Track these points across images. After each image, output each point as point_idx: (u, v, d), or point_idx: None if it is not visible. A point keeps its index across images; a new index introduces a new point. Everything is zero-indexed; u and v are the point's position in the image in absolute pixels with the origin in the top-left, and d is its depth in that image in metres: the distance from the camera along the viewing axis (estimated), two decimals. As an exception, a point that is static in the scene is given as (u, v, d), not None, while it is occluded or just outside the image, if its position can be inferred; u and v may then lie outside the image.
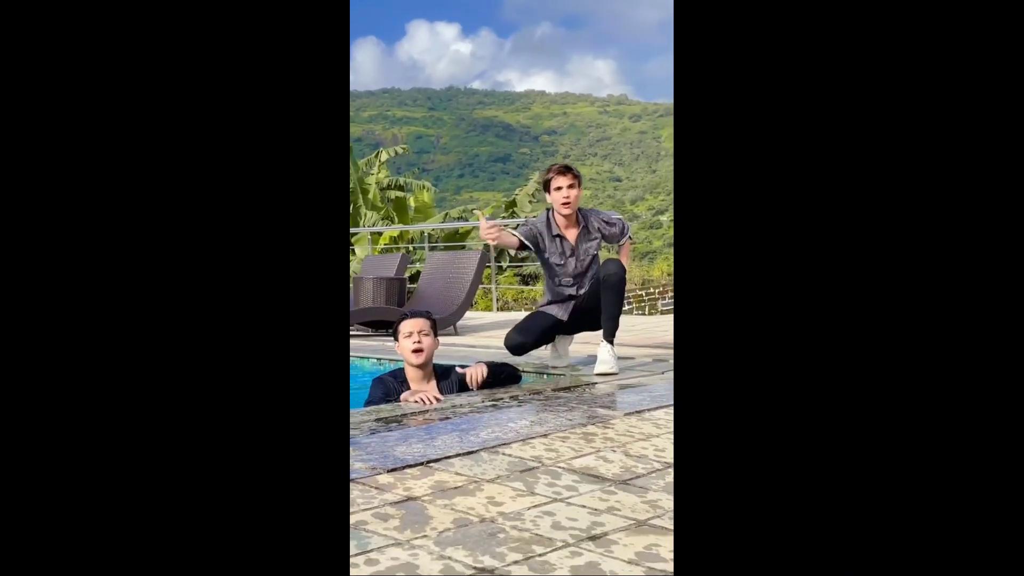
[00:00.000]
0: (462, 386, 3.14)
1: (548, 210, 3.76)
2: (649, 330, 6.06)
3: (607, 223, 3.78)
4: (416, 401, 2.84)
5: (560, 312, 3.78)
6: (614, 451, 2.18)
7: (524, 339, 3.73)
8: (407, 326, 3.12)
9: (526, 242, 3.70)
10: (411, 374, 3.12)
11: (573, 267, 3.72)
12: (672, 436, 2.34)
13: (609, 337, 3.56)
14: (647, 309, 10.67)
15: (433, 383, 3.13)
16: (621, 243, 3.84)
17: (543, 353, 3.99)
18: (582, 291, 3.73)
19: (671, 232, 41.21)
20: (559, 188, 3.63)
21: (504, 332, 3.94)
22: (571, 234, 3.72)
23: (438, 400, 2.86)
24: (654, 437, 2.34)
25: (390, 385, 3.12)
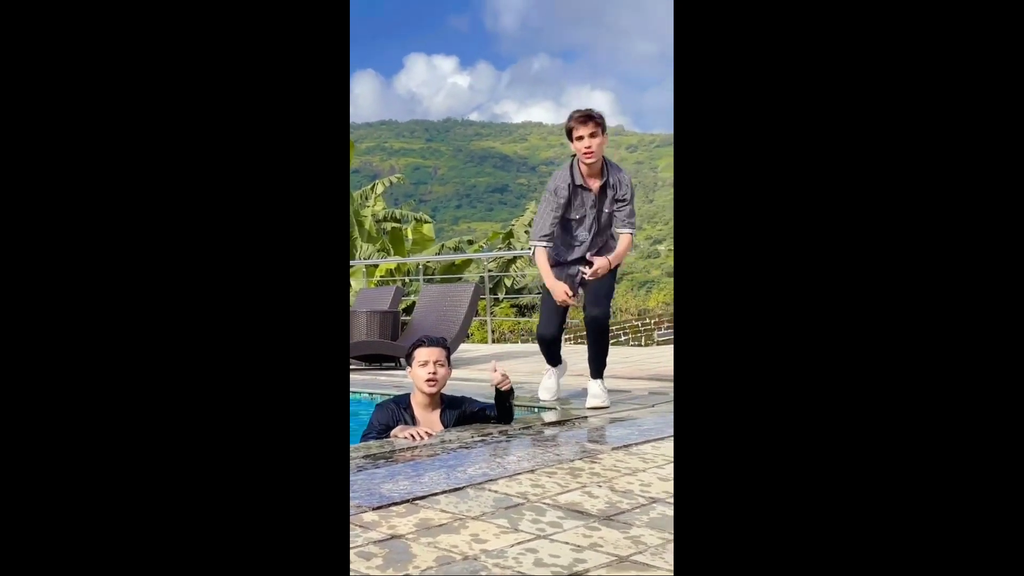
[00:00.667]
0: (460, 419, 3.12)
1: (573, 158, 3.58)
2: (643, 362, 6.08)
3: (626, 184, 3.61)
4: (406, 437, 2.83)
5: (567, 286, 3.60)
6: (600, 486, 2.19)
7: (550, 332, 3.70)
8: (423, 354, 3.04)
9: (557, 211, 3.55)
10: (419, 400, 3.08)
11: (591, 223, 3.58)
12: (657, 470, 2.36)
13: (597, 376, 3.58)
14: (643, 339, 10.67)
15: (437, 412, 3.10)
16: (621, 231, 3.65)
17: (533, 385, 3.99)
18: (593, 250, 3.63)
19: (669, 261, 41.29)
20: (580, 138, 3.45)
21: (502, 364, 3.96)
22: (594, 184, 3.56)
23: (429, 436, 2.85)
24: (640, 472, 2.35)
25: (393, 413, 3.05)
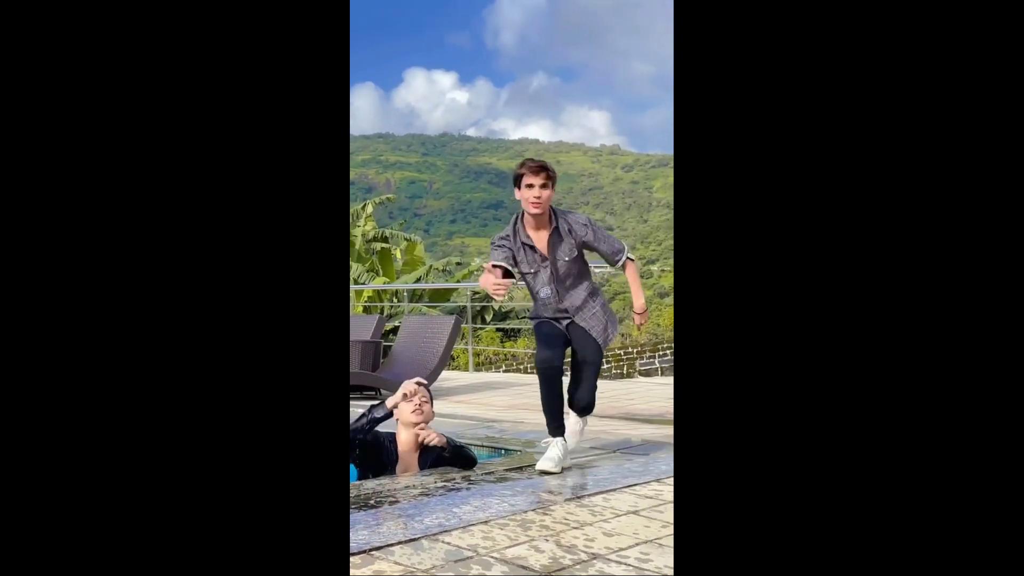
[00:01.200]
0: (438, 460, 3.34)
1: (517, 216, 3.50)
2: (617, 398, 6.21)
3: (581, 224, 3.49)
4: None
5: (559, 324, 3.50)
6: (547, 540, 2.34)
7: (548, 355, 3.38)
8: (409, 386, 3.41)
9: (508, 267, 3.41)
10: (403, 437, 3.38)
11: (548, 278, 3.46)
12: (603, 524, 2.51)
13: (581, 413, 3.49)
14: (625, 369, 10.80)
15: (417, 454, 3.37)
16: (619, 262, 3.54)
17: (507, 423, 4.10)
18: (566, 302, 3.48)
19: (662, 281, 41.42)
20: (531, 186, 3.35)
21: (480, 395, 4.04)
22: (541, 238, 3.45)
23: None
24: (587, 526, 2.50)
25: (387, 450, 3.37)
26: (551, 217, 3.45)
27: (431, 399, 3.44)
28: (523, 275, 3.50)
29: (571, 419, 3.51)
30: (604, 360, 9.75)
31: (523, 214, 3.44)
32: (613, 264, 3.55)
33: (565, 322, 3.49)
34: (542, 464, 3.28)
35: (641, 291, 3.63)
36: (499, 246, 3.47)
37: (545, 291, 3.48)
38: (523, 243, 3.45)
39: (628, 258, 3.55)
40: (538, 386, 3.41)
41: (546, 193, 3.36)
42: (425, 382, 3.50)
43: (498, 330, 13.82)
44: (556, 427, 3.39)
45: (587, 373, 3.43)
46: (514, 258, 3.45)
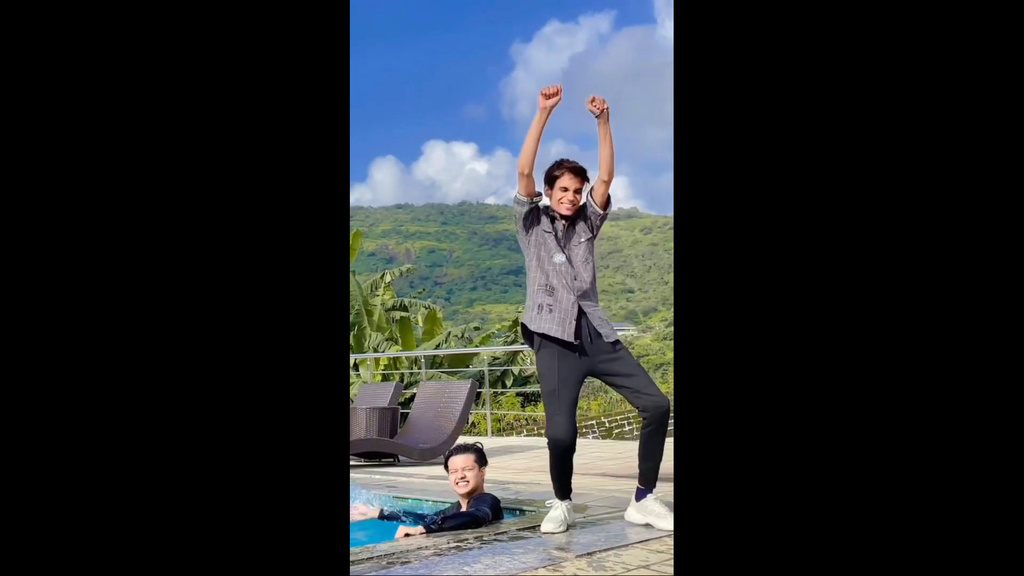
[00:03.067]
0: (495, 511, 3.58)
1: (546, 207, 3.37)
2: (632, 457, 6.17)
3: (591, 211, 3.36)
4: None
5: (563, 329, 3.24)
6: (556, 596, 2.36)
7: (563, 431, 3.17)
8: (453, 463, 3.71)
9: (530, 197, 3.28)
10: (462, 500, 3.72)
11: (564, 253, 3.30)
12: (613, 580, 2.51)
13: (651, 485, 3.29)
14: (646, 429, 10.73)
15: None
16: (596, 188, 3.34)
17: (522, 484, 4.09)
18: (579, 279, 3.30)
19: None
20: (566, 189, 3.26)
21: (498, 459, 4.07)
22: (559, 225, 3.34)
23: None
24: (596, 581, 2.51)
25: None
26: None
27: (478, 463, 3.71)
28: (539, 239, 3.32)
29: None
30: (627, 420, 9.24)
31: (547, 209, 3.34)
32: (599, 198, 3.35)
33: (571, 321, 3.22)
34: (545, 526, 3.25)
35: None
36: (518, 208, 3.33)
37: (559, 256, 3.29)
38: (547, 231, 3.32)
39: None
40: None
41: (578, 198, 3.28)
42: (472, 451, 3.75)
43: (518, 394, 13.80)
44: (562, 492, 3.34)
45: (642, 377, 3.24)
46: (538, 221, 3.32)
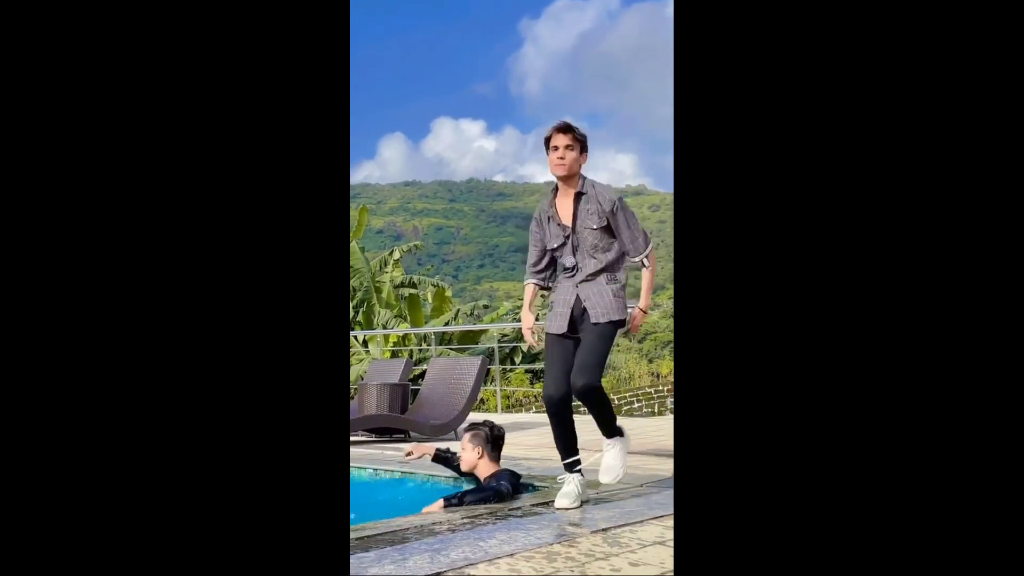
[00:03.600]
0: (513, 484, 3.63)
1: (553, 189, 3.39)
2: (647, 434, 6.19)
3: (608, 199, 3.28)
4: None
5: (556, 324, 3.34)
6: (572, 571, 2.34)
7: (554, 390, 3.29)
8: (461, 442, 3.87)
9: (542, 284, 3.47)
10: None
11: (571, 246, 3.32)
12: (630, 555, 2.50)
13: (610, 435, 3.46)
14: (656, 407, 10.71)
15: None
16: (637, 258, 3.34)
17: (534, 460, 4.10)
18: (581, 271, 3.31)
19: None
20: (555, 147, 3.26)
21: (509, 436, 4.13)
22: (566, 206, 3.33)
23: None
24: (613, 557, 2.49)
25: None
26: (580, 183, 3.31)
27: (471, 442, 3.79)
28: (552, 254, 3.40)
29: (612, 451, 3.50)
30: (636, 398, 9.19)
31: (555, 187, 3.36)
32: (631, 256, 3.34)
33: (567, 315, 3.30)
34: (559, 501, 3.26)
35: (649, 295, 3.41)
36: (533, 237, 3.43)
37: (569, 260, 3.33)
38: (548, 216, 3.36)
39: (645, 258, 3.33)
40: None
41: (571, 155, 3.24)
42: (470, 430, 3.83)
43: (527, 371, 13.80)
44: (566, 453, 3.37)
45: (582, 356, 3.24)
46: (545, 236, 3.37)
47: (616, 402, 10.34)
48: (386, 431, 6.27)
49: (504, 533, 2.82)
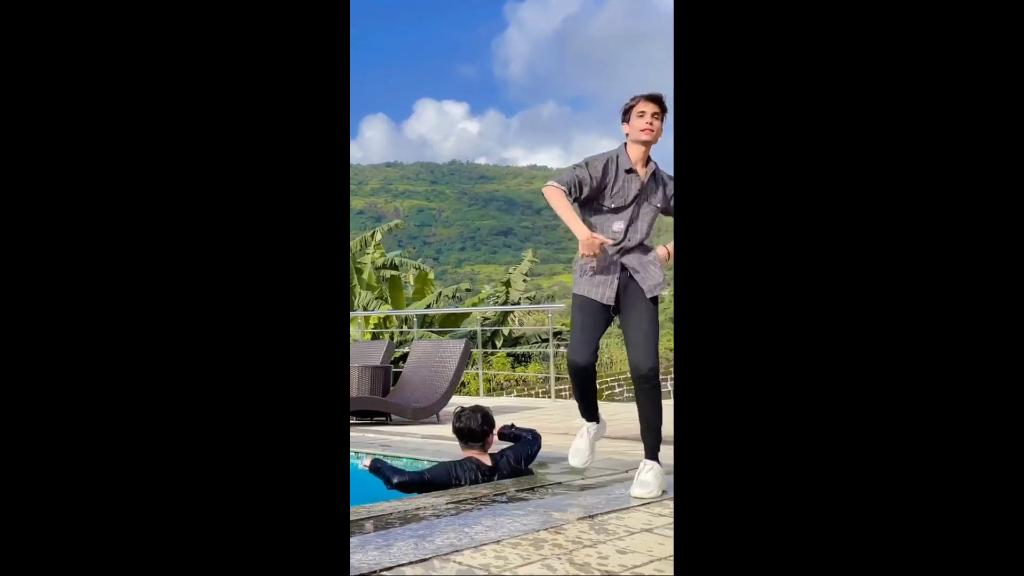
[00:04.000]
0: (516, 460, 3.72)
1: (623, 144, 3.27)
2: (632, 419, 6.14)
3: (671, 186, 3.28)
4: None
5: (601, 292, 3.22)
6: (559, 559, 2.31)
7: (582, 358, 3.20)
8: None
9: (578, 189, 3.20)
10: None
11: (630, 216, 3.24)
12: (617, 542, 2.47)
13: (652, 455, 3.24)
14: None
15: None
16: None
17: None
18: (629, 240, 3.24)
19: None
20: (642, 114, 3.17)
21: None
22: (642, 171, 3.24)
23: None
24: (600, 544, 2.47)
25: (449, 470, 3.62)
26: (651, 161, 3.27)
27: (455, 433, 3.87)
28: (599, 208, 3.25)
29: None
30: (618, 383, 9.45)
31: (627, 146, 3.24)
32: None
33: (614, 284, 3.21)
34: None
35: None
36: (581, 172, 3.21)
37: (619, 224, 3.23)
38: (628, 168, 3.22)
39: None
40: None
41: (658, 124, 3.18)
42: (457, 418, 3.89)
43: (509, 355, 13.78)
44: (588, 413, 3.49)
45: (647, 337, 3.15)
46: (606, 178, 3.21)
47: (597, 387, 10.34)
48: (367, 413, 6.22)
49: (490, 519, 2.79)
